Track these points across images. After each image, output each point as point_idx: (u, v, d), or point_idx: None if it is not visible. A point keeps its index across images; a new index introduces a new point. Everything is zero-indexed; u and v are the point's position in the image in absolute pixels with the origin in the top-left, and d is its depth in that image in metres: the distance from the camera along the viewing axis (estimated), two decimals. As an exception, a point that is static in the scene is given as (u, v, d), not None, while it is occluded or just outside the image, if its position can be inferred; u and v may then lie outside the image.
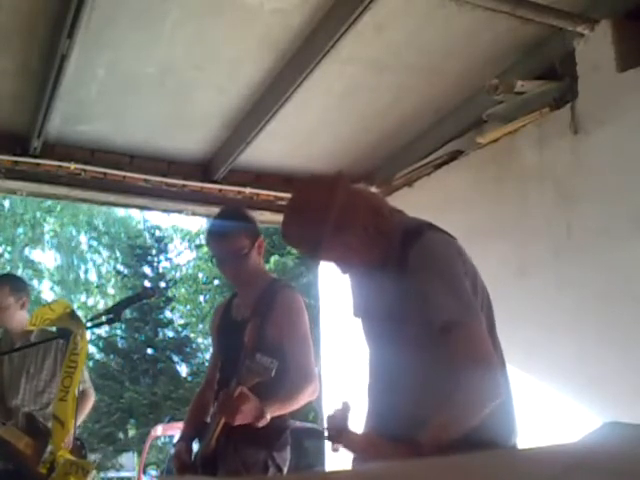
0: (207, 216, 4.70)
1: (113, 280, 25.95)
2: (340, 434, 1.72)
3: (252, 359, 2.29)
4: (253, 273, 2.67)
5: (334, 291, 4.85)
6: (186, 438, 2.69)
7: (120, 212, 26.28)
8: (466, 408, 1.65)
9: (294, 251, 16.65)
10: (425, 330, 1.72)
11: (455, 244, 1.85)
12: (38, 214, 25.40)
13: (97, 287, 26.47)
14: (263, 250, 2.69)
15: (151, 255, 24.63)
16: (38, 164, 4.14)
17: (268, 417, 2.33)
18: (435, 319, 1.69)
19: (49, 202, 23.12)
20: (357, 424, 1.81)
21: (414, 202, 4.18)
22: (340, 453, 1.75)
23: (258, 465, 2.48)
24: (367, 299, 1.94)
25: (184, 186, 4.51)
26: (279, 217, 2.03)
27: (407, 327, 1.76)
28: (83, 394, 3.75)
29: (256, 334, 2.49)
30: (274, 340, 2.51)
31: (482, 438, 1.58)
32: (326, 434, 1.77)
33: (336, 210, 1.76)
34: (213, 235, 2.71)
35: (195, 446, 2.66)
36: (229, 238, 2.62)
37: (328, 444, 1.83)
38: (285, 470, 2.58)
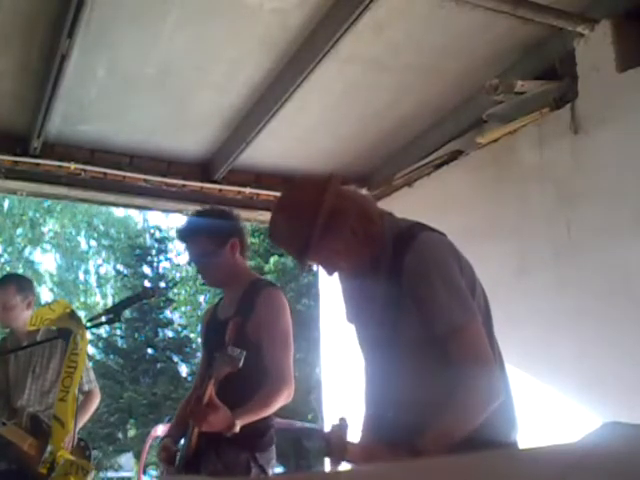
0: (207, 216, 4.70)
1: (113, 280, 25.96)
2: (341, 451, 1.66)
3: (222, 351, 2.29)
4: (228, 274, 2.65)
5: (334, 292, 4.84)
6: (172, 436, 2.66)
7: (120, 212, 26.33)
8: (466, 412, 1.65)
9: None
10: (422, 334, 1.71)
11: (448, 243, 1.83)
12: (38, 215, 25.40)
13: (97, 287, 26.48)
14: (238, 250, 2.66)
15: (151, 255, 24.63)
16: (38, 164, 4.13)
17: (238, 428, 2.28)
18: (440, 326, 1.68)
19: (48, 202, 23.14)
20: (355, 432, 1.78)
21: (414, 202, 4.18)
22: (341, 466, 1.71)
23: (240, 466, 2.43)
24: (358, 304, 1.92)
25: (184, 186, 4.51)
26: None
27: (401, 331, 1.75)
28: (90, 394, 3.75)
29: (236, 333, 2.47)
30: (254, 338, 2.49)
31: (483, 434, 1.59)
32: (326, 453, 1.71)
33: (325, 213, 1.74)
34: (179, 240, 2.78)
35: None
36: (192, 242, 2.65)
37: (328, 461, 1.78)
38: (270, 471, 2.52)
